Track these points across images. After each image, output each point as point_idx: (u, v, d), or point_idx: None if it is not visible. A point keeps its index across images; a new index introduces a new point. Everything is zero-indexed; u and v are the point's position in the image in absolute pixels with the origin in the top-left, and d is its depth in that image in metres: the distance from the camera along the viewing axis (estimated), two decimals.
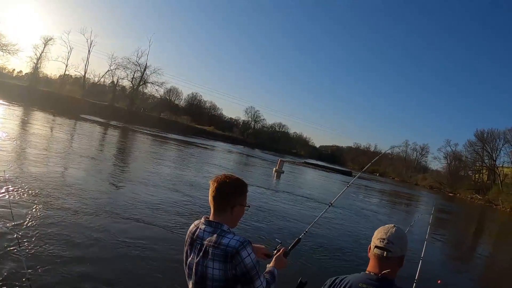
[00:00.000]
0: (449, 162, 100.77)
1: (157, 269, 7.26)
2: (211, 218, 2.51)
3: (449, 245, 20.88)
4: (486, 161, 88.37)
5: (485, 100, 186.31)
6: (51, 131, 30.67)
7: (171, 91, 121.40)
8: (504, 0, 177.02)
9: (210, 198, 2.51)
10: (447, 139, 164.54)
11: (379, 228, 2.36)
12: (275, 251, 2.89)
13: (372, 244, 2.32)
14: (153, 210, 11.47)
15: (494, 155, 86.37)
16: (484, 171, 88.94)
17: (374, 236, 2.35)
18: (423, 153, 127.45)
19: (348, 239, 14.25)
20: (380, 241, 2.26)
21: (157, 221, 10.41)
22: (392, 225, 2.35)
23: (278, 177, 33.43)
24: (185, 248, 2.55)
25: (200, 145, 54.52)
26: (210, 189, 2.50)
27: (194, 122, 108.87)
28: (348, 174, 69.58)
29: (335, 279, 2.35)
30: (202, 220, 2.52)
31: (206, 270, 2.35)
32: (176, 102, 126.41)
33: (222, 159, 41.81)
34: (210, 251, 2.34)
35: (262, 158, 60.66)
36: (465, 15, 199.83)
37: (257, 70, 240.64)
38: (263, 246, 2.99)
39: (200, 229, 2.48)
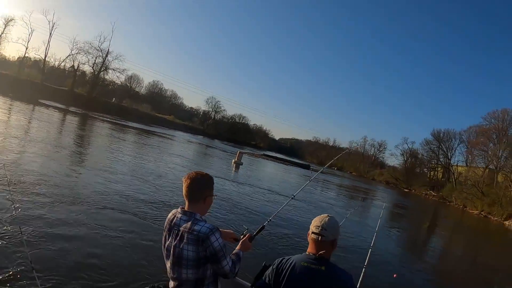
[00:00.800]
0: (405, 159, 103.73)
1: (138, 253, 7.62)
2: (186, 208, 2.95)
3: (403, 238, 21.62)
4: (441, 159, 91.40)
5: (443, 101, 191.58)
6: (8, 116, 29.61)
7: (132, 78, 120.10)
8: None
9: (184, 192, 2.95)
10: (404, 137, 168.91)
11: (316, 217, 2.90)
12: (242, 236, 3.37)
13: (310, 230, 2.87)
14: (122, 198, 11.79)
15: (449, 154, 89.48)
16: (439, 169, 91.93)
17: (311, 224, 2.89)
18: (381, 149, 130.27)
19: (307, 228, 14.25)
20: (316, 227, 2.81)
21: (129, 209, 10.72)
22: (326, 215, 2.91)
23: (237, 168, 33.43)
24: (164, 233, 2.99)
25: (160, 134, 54.01)
26: (184, 185, 2.93)
27: (154, 110, 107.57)
28: (307, 167, 69.84)
29: (282, 259, 2.89)
30: (179, 210, 2.96)
31: (182, 252, 2.79)
32: (137, 89, 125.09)
33: (182, 149, 41.36)
34: (185, 236, 2.79)
35: (221, 149, 60.58)
36: (426, 12, 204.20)
37: (220, 60, 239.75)
38: (231, 231, 3.53)
39: (177, 217, 2.92)
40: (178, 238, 2.82)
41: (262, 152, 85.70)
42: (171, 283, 2.99)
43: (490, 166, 69.57)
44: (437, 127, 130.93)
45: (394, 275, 9.49)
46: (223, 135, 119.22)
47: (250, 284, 3.18)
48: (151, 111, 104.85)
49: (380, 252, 13.93)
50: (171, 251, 2.86)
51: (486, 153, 73.26)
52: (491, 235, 37.01)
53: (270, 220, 3.99)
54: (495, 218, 51.67)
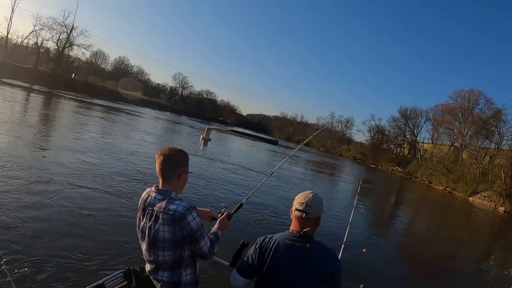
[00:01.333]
0: (372, 135, 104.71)
1: (115, 230, 7.75)
2: (160, 186, 2.80)
3: (370, 213, 21.81)
4: (407, 136, 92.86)
5: (411, 80, 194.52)
6: None
7: (98, 54, 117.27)
8: None
9: (157, 170, 2.78)
10: (371, 114, 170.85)
11: (299, 194, 2.79)
12: (220, 215, 3.24)
13: (293, 207, 2.74)
14: (95, 177, 11.69)
15: (415, 131, 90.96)
16: (405, 145, 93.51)
17: (295, 200, 2.77)
18: (348, 125, 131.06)
19: (281, 203, 15.20)
20: (299, 204, 2.70)
21: (103, 187, 10.68)
22: (310, 191, 2.79)
23: (205, 144, 33.25)
24: (138, 214, 2.83)
25: (128, 111, 53.04)
26: (157, 162, 2.76)
27: (121, 87, 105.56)
28: (275, 143, 70.07)
29: (265, 238, 2.78)
30: (153, 188, 2.80)
31: (158, 233, 2.66)
32: (103, 66, 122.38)
33: (150, 126, 40.71)
34: (160, 216, 2.64)
35: (189, 125, 60.29)
36: None
37: (187, 35, 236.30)
38: (209, 210, 3.40)
39: (151, 196, 2.76)
40: (153, 218, 2.70)
41: (230, 128, 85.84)
42: (148, 266, 2.89)
43: (456, 144, 71.26)
44: (404, 105, 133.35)
45: (364, 250, 9.55)
46: (191, 111, 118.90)
47: (228, 263, 3.16)
48: (118, 87, 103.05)
49: (355, 225, 14.09)
50: (146, 233, 2.74)
51: (452, 131, 74.82)
52: (455, 210, 38.05)
53: (248, 197, 3.83)
54: (460, 194, 53.25)
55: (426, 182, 64.34)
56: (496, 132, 60.01)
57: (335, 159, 76.92)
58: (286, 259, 2.60)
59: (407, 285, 10.29)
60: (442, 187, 58.46)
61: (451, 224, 26.85)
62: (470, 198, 50.06)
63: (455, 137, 72.60)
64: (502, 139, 56.26)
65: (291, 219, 2.77)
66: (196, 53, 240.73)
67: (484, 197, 48.33)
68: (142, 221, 2.78)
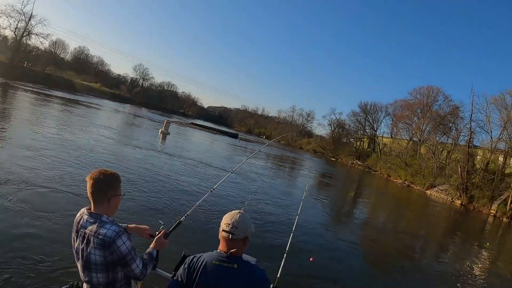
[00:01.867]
0: (333, 129, 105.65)
1: None
2: (92, 209, 2.79)
3: (328, 206, 21.86)
4: (367, 130, 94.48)
5: (371, 75, 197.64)
6: None
7: (57, 43, 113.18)
8: None
9: (88, 193, 2.76)
10: (332, 108, 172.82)
11: (226, 214, 2.73)
12: (157, 232, 3.24)
13: (220, 228, 2.71)
14: (52, 176, 11.10)
15: (375, 126, 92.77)
16: (365, 139, 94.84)
17: (222, 221, 2.72)
18: (309, 119, 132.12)
19: (235, 203, 14.17)
20: (226, 225, 2.67)
21: (60, 186, 10.21)
22: (237, 211, 2.74)
23: (164, 139, 32.61)
24: (72, 235, 2.83)
25: (86, 104, 51.32)
26: (87, 185, 2.74)
27: (80, 78, 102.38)
28: (235, 136, 69.72)
29: (193, 258, 2.74)
30: (85, 211, 2.80)
31: (90, 256, 2.69)
32: (62, 55, 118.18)
33: (109, 119, 39.31)
34: (91, 239, 2.67)
35: (149, 118, 59.46)
36: None
37: (150, 26, 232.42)
38: (147, 227, 3.38)
39: (83, 219, 2.77)
40: (85, 241, 2.72)
41: (190, 121, 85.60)
42: (84, 285, 2.89)
43: (414, 139, 72.68)
44: (364, 100, 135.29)
45: (311, 259, 9.08)
46: (151, 103, 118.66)
47: (170, 275, 3.19)
48: (77, 78, 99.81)
49: (306, 220, 14.03)
50: (80, 254, 2.76)
51: (411, 126, 76.48)
52: (413, 203, 38.66)
53: (187, 215, 3.89)
54: (418, 187, 54.33)
55: (385, 176, 65.32)
56: (454, 128, 61.41)
57: (295, 152, 77.04)
58: (214, 280, 2.61)
59: (364, 281, 10.03)
60: (401, 181, 59.43)
61: (409, 217, 27.08)
62: (428, 191, 51.04)
63: (413, 132, 74.14)
64: (459, 135, 57.43)
65: (219, 239, 2.76)
66: (158, 44, 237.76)
67: (441, 190, 49.35)
68: (76, 242, 2.79)
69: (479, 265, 15.79)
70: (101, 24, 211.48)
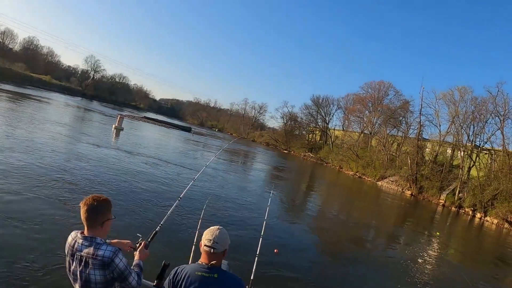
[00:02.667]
0: (285, 121, 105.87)
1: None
2: (86, 233, 2.95)
3: (284, 200, 21.70)
4: (319, 123, 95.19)
5: (323, 70, 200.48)
6: None
7: (5, 34, 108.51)
8: None
9: (82, 218, 2.92)
10: (284, 101, 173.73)
11: (207, 230, 3.08)
12: (138, 245, 3.53)
13: (202, 243, 3.04)
14: (6, 178, 10.58)
15: (327, 119, 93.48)
16: (317, 132, 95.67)
17: (203, 236, 3.07)
18: (261, 111, 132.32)
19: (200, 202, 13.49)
20: (208, 241, 3.00)
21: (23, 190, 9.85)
22: (217, 227, 3.10)
23: (118, 134, 31.72)
24: (67, 258, 2.98)
25: (36, 98, 49.00)
26: (81, 211, 2.91)
27: (29, 70, 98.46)
28: (188, 130, 69.05)
29: (177, 269, 3.08)
30: (79, 235, 2.95)
31: (89, 277, 2.85)
32: (10, 46, 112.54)
33: (59, 114, 37.26)
34: (90, 261, 2.84)
35: (101, 112, 57.75)
36: None
37: (101, 15, 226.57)
38: (128, 241, 3.58)
39: (78, 243, 2.91)
40: (83, 263, 2.87)
41: (142, 115, 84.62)
42: None
43: (365, 131, 74.14)
44: (316, 93, 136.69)
45: (275, 251, 9.35)
46: (103, 96, 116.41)
47: (153, 284, 3.46)
48: (26, 70, 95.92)
49: (263, 215, 13.75)
50: (78, 276, 2.90)
51: (362, 120, 78.27)
52: (365, 194, 39.38)
53: (161, 224, 4.23)
54: (369, 179, 55.30)
55: (337, 168, 66.12)
56: (404, 122, 62.95)
57: (248, 145, 76.81)
58: None
59: (321, 270, 10.14)
60: (352, 172, 60.36)
61: (361, 207, 27.47)
62: (379, 183, 52.07)
63: (365, 125, 75.84)
64: (409, 128, 58.99)
65: (200, 252, 3.08)
66: (110, 35, 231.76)
67: (392, 181, 50.46)
68: (72, 265, 2.93)
69: (429, 253, 16.24)
70: (50, 13, 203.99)
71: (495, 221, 34.33)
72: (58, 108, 45.53)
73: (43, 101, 47.59)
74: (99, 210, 2.93)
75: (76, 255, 2.88)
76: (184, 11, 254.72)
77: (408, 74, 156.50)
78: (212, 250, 2.97)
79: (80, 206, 2.94)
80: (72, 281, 2.99)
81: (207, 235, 3.04)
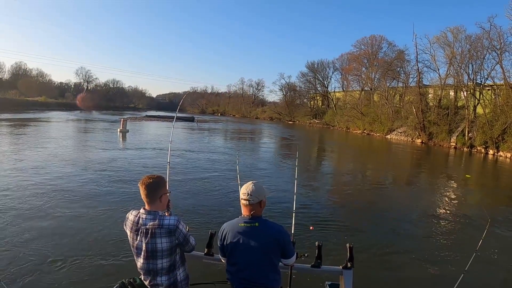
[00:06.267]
0: (284, 93, 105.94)
1: None
2: (148, 208, 3.27)
3: (299, 168, 21.70)
4: (319, 88, 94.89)
5: (311, 34, 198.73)
6: None
7: None
8: None
9: (142, 196, 3.25)
10: (280, 73, 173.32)
11: (243, 186, 3.37)
12: None
13: (240, 197, 3.34)
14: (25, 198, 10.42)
15: (325, 83, 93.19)
16: (318, 97, 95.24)
17: (240, 191, 3.36)
18: (259, 88, 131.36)
19: (214, 179, 15.33)
20: (243, 195, 3.29)
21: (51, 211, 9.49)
22: (251, 182, 3.37)
23: (124, 137, 31.66)
24: (131, 234, 3.29)
25: (35, 120, 48.10)
26: (140, 190, 3.25)
27: (23, 95, 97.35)
28: (192, 120, 69.05)
29: (224, 225, 3.42)
30: (142, 211, 3.27)
31: (156, 246, 3.18)
32: (0, 75, 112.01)
33: (61, 131, 36.46)
34: (156, 231, 3.17)
35: (102, 120, 57.25)
36: None
37: (84, 24, 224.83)
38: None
39: (142, 218, 3.23)
40: (149, 235, 3.17)
41: (144, 114, 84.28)
42: (146, 277, 3.32)
43: (366, 88, 73.77)
44: (310, 59, 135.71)
45: (311, 227, 9.07)
46: (100, 105, 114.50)
47: (203, 253, 3.95)
48: (20, 96, 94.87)
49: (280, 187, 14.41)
50: (144, 248, 3.20)
51: (360, 77, 77.93)
52: (377, 149, 39.50)
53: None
54: (378, 134, 55.67)
55: (344, 129, 66.44)
56: (402, 72, 62.26)
57: (252, 123, 77.00)
58: (242, 238, 3.25)
59: (351, 230, 10.03)
60: (360, 131, 60.74)
61: (376, 162, 27.73)
62: (388, 136, 52.40)
63: (364, 82, 75.66)
64: (409, 78, 58.43)
65: (241, 206, 3.36)
66: (95, 43, 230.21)
67: (401, 132, 50.69)
68: (137, 240, 3.24)
69: (449, 193, 16.50)
70: (33, 35, 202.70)
71: (509, 154, 34.51)
72: (59, 126, 45.09)
73: (43, 121, 47.29)
74: (155, 186, 3.24)
75: (141, 229, 3.19)
76: (164, 4, 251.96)
77: (398, 24, 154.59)
78: (248, 202, 3.26)
79: (138, 187, 3.27)
80: (135, 255, 3.31)
81: (243, 190, 3.33)
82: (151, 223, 3.17)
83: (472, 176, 22.39)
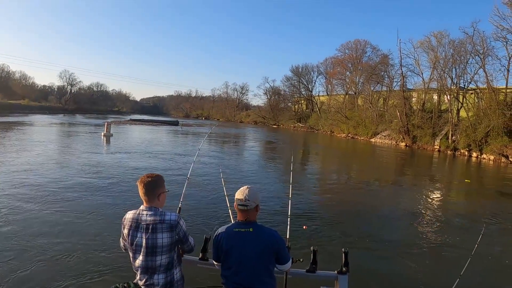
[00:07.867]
0: (269, 97, 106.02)
1: None
2: (148, 205, 3.35)
3: (282, 171, 22.07)
4: (303, 92, 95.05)
5: (298, 39, 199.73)
6: None
7: None
8: None
9: (141, 194, 3.33)
10: (265, 77, 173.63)
11: (238, 191, 3.37)
12: None
13: (235, 202, 3.35)
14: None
15: (310, 87, 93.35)
16: (302, 101, 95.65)
17: (235, 196, 3.36)
18: (244, 91, 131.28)
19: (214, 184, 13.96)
20: (240, 200, 3.31)
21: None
22: (246, 187, 3.40)
23: (108, 141, 31.03)
24: (129, 232, 3.31)
25: (17, 124, 46.91)
26: (139, 189, 3.33)
27: (6, 98, 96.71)
28: (176, 124, 68.80)
29: (218, 230, 3.44)
30: (142, 207, 3.34)
31: (156, 241, 3.23)
32: None
33: (45, 135, 35.12)
34: (157, 227, 3.24)
35: (85, 124, 56.58)
36: None
37: (63, 29, 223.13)
38: None
39: (142, 214, 3.31)
40: (149, 231, 3.22)
41: (128, 118, 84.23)
42: (143, 276, 3.31)
43: (350, 92, 74.21)
44: (295, 63, 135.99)
45: (304, 227, 9.16)
46: (84, 108, 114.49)
47: (198, 258, 3.99)
48: (3, 99, 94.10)
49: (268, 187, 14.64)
50: (144, 244, 3.23)
51: (344, 81, 78.14)
52: (361, 152, 39.52)
53: (181, 202, 4.82)
54: (362, 138, 55.88)
55: (329, 132, 66.65)
56: (386, 76, 62.72)
57: (236, 127, 76.85)
58: (236, 242, 3.25)
59: (338, 231, 9.99)
60: (344, 134, 60.86)
61: (361, 165, 27.63)
62: (372, 140, 52.60)
63: (348, 86, 75.92)
64: (392, 82, 58.80)
65: (236, 211, 3.40)
66: (78, 46, 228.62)
67: (385, 136, 50.97)
68: (137, 236, 3.26)
69: (435, 194, 16.47)
70: (16, 38, 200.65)
71: (492, 157, 34.77)
72: (42, 129, 44.09)
73: (26, 124, 46.32)
74: (154, 185, 3.33)
75: (142, 225, 3.25)
76: (148, 8, 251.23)
77: (382, 30, 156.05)
78: (245, 207, 3.29)
79: (137, 185, 3.34)
80: (133, 254, 3.33)
81: (239, 195, 3.33)
82: (152, 218, 3.25)
83: (460, 177, 22.48)
